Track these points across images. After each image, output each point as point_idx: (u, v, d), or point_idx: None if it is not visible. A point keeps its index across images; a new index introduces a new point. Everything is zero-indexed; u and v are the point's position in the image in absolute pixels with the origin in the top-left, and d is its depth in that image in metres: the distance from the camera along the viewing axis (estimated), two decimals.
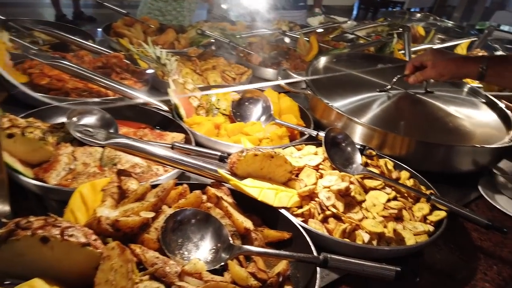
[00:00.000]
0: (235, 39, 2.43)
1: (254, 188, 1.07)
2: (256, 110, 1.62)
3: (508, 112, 1.81)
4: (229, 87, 1.68)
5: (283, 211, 1.07)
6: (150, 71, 1.72)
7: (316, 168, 1.27)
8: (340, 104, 1.64)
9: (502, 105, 1.88)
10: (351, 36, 3.17)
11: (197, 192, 1.00)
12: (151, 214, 0.88)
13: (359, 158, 1.33)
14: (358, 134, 1.51)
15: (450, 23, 4.06)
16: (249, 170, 1.12)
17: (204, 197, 1.03)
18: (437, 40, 3.38)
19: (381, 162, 1.36)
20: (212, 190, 1.02)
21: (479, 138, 1.60)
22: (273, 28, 2.84)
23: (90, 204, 0.92)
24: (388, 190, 1.24)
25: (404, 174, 1.35)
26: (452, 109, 1.75)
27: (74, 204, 0.90)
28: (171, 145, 1.23)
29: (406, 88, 1.80)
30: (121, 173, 1.05)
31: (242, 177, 1.11)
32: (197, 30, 2.38)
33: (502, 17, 6.49)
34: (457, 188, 1.50)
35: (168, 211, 0.95)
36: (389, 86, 1.75)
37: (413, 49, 2.80)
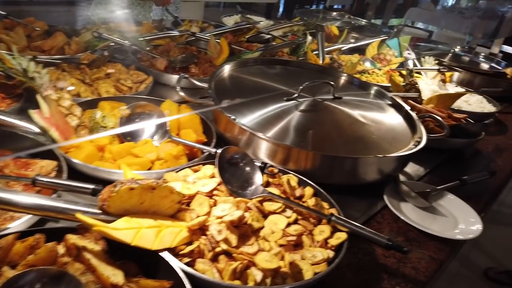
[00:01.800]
0: (138, 42, 2.22)
1: (128, 231, 0.91)
2: (149, 127, 1.44)
3: (413, 114, 1.82)
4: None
5: (164, 253, 0.92)
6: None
7: (210, 194, 1.14)
8: (245, 116, 1.52)
9: (407, 107, 1.89)
10: (267, 36, 3.08)
11: (50, 245, 0.82)
12: None
13: (259, 178, 1.22)
14: (263, 149, 1.41)
15: (363, 21, 4.15)
16: (125, 206, 0.96)
17: (63, 249, 0.85)
18: (352, 39, 3.41)
19: (284, 179, 1.27)
20: (71, 240, 0.84)
21: (386, 145, 1.58)
22: (182, 30, 2.65)
23: None
24: (288, 212, 1.14)
25: (308, 191, 1.27)
26: (359, 115, 1.72)
27: None
28: (31, 180, 1.02)
29: (314, 94, 1.73)
30: None
31: (118, 215, 0.94)
32: (93, 33, 2.13)
33: (415, 14, 6.75)
34: (363, 198, 1.46)
35: (9, 274, 0.76)
36: (296, 94, 1.67)
37: (326, 49, 2.78)
